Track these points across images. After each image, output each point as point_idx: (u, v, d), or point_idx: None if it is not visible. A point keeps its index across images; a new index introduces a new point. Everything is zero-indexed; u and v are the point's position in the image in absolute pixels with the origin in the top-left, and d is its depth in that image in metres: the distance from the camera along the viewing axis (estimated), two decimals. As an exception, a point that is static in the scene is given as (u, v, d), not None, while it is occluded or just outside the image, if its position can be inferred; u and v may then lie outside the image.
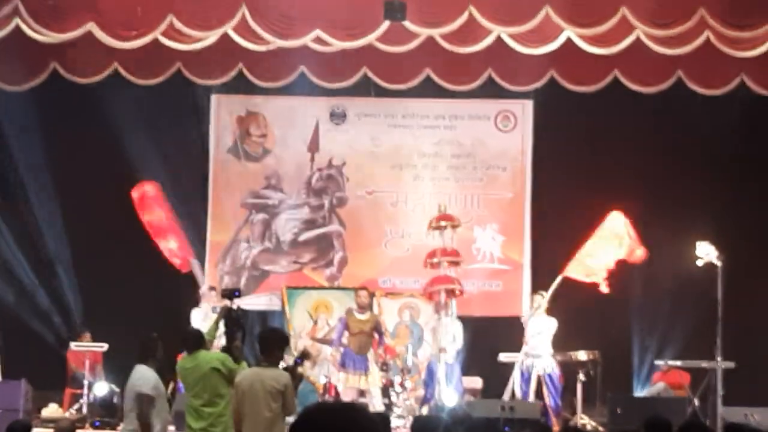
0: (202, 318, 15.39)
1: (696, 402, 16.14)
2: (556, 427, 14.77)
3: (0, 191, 18.03)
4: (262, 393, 9.82)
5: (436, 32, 15.97)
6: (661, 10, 15.64)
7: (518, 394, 15.63)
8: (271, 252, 18.77)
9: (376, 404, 14.96)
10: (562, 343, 15.68)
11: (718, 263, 15.17)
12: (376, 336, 15.46)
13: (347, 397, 15.12)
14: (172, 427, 12.76)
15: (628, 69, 17.15)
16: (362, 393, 15.26)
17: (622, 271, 17.69)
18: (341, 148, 18.99)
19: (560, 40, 15.97)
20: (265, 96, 18.77)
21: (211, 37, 16.07)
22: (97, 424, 15.53)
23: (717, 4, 15.54)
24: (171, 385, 13.63)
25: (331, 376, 15.55)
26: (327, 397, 15.43)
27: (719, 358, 15.18)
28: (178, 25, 15.77)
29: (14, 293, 17.71)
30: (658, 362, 17.23)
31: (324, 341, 17.17)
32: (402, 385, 15.49)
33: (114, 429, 15.00)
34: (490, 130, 18.94)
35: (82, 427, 15.04)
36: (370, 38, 16.02)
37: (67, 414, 16.24)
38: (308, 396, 16.29)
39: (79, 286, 17.94)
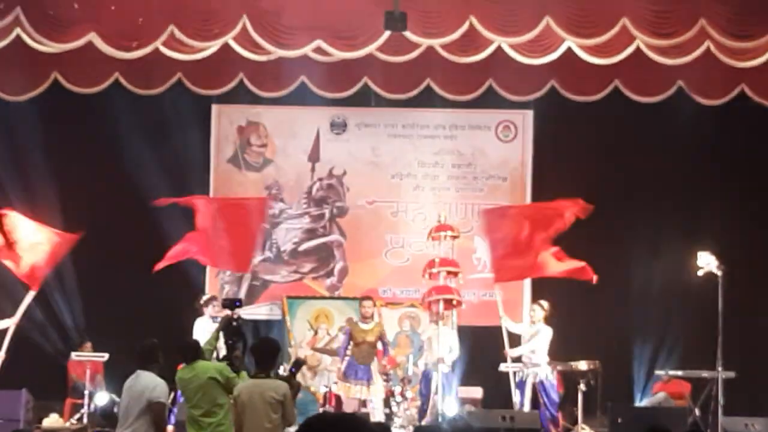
0: (203, 328, 15.36)
1: (697, 412, 16.12)
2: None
3: (1, 200, 18.02)
4: (261, 404, 9.86)
5: (436, 42, 15.98)
6: (662, 20, 15.64)
7: (517, 403, 15.63)
8: (272, 262, 18.78)
9: (377, 414, 14.95)
10: (562, 352, 15.66)
11: (719, 273, 15.16)
12: (381, 346, 15.43)
13: (349, 407, 15.11)
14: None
15: (629, 79, 17.16)
16: (364, 403, 15.25)
17: (621, 280, 17.74)
18: (342, 157, 19.00)
19: (561, 50, 15.98)
20: (265, 106, 18.78)
21: (211, 47, 16.08)
22: (98, 433, 15.55)
23: (717, 15, 15.55)
24: (171, 395, 13.61)
25: (331, 386, 15.53)
26: (327, 407, 15.42)
27: (720, 368, 15.16)
28: (179, 35, 15.78)
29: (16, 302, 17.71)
30: (659, 372, 17.22)
31: (324, 351, 17.16)
32: (402, 395, 15.48)
33: (114, 439, 14.98)
34: (491, 140, 18.95)
35: (83, 437, 15.07)
36: (371, 48, 16.02)
37: (67, 424, 16.23)
38: (308, 406, 16.30)
39: (80, 295, 17.92)
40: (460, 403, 15.79)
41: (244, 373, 10.62)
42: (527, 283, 18.43)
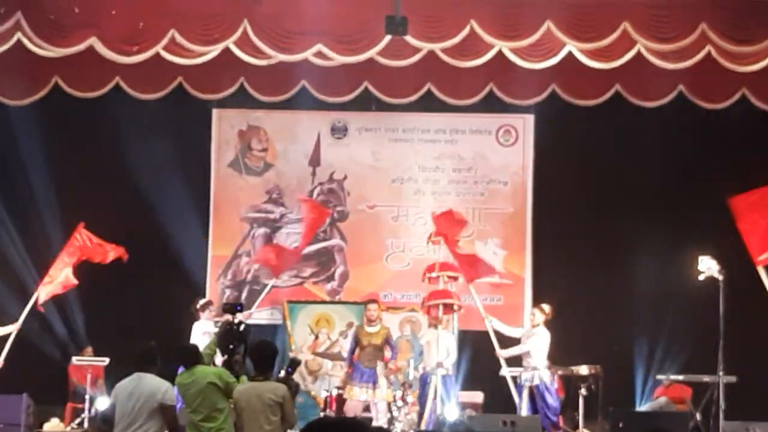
0: (202, 332, 15.37)
1: (698, 416, 16.09)
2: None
3: (2, 205, 18.03)
4: (260, 407, 9.90)
5: (437, 47, 15.98)
6: (663, 25, 15.65)
7: (518, 408, 15.63)
8: (273, 266, 18.75)
9: (380, 418, 14.95)
10: (563, 357, 15.66)
11: (720, 277, 15.15)
12: (389, 350, 15.41)
13: (351, 410, 15.11)
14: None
15: (630, 83, 17.16)
16: (367, 407, 15.24)
17: (623, 284, 17.73)
18: (342, 162, 19.00)
19: (561, 54, 15.98)
20: (266, 110, 18.78)
21: (212, 52, 16.09)
22: (98, 438, 15.54)
23: (718, 19, 15.55)
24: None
25: (332, 391, 15.51)
26: (328, 411, 15.40)
27: (721, 373, 15.14)
28: (180, 39, 15.79)
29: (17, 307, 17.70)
30: (660, 376, 17.18)
31: (325, 355, 17.17)
32: (403, 399, 15.47)
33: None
34: (491, 144, 18.95)
35: (84, 442, 15.07)
36: (372, 52, 16.03)
37: (68, 429, 16.24)
38: (309, 410, 16.29)
39: (81, 300, 17.91)
40: (461, 407, 15.77)
41: (244, 378, 10.61)
42: (528, 288, 18.43)
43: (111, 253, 16.34)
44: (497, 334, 15.84)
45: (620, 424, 15.00)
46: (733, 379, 15.45)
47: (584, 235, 17.92)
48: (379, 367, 15.26)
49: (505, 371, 15.82)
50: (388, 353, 15.40)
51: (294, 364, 10.99)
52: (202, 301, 16.07)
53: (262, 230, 18.81)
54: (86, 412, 16.27)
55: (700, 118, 17.39)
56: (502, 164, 18.92)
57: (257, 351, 10.44)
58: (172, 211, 17.89)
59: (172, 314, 16.18)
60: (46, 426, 16.02)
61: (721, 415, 14.99)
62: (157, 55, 15.99)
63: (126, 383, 10.18)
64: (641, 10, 15.63)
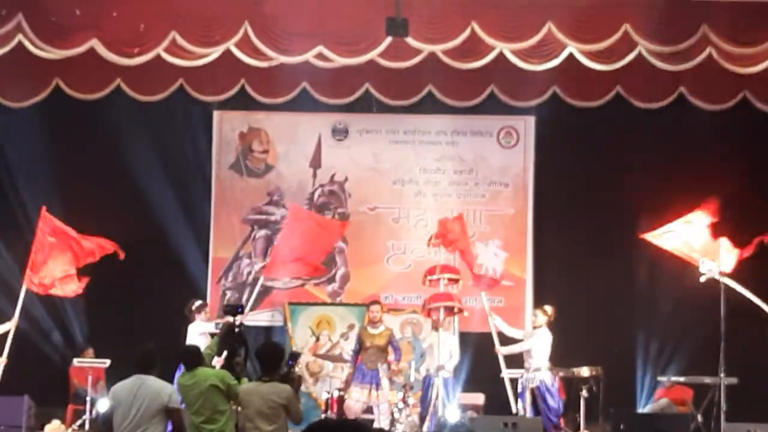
0: (198, 334, 15.36)
1: (699, 418, 16.11)
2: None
3: (3, 207, 18.03)
4: (264, 408, 9.94)
5: (438, 48, 15.97)
6: (664, 26, 15.63)
7: (517, 410, 15.62)
8: (274, 267, 18.74)
9: (382, 420, 14.95)
10: (564, 359, 15.65)
11: (721, 279, 15.15)
12: (392, 352, 15.40)
13: (352, 412, 15.11)
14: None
15: (631, 85, 17.17)
16: (368, 408, 15.23)
17: (624, 286, 17.73)
18: (343, 163, 19.00)
19: (563, 55, 15.98)
20: (267, 112, 18.79)
21: (213, 54, 16.09)
22: (99, 440, 15.53)
23: (719, 21, 15.54)
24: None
25: (333, 392, 15.51)
26: (329, 413, 15.40)
27: (722, 374, 15.15)
28: (181, 41, 15.79)
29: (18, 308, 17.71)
30: (661, 378, 17.20)
31: (326, 357, 17.17)
32: (404, 401, 15.46)
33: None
34: (492, 146, 18.94)
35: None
36: (372, 54, 16.02)
37: (69, 430, 16.24)
38: (310, 412, 16.28)
39: (83, 301, 17.91)
40: (462, 409, 15.76)
41: (245, 380, 10.63)
42: (529, 289, 18.43)
43: (88, 244, 16.20)
44: (499, 335, 15.83)
45: (621, 426, 15.02)
46: (734, 380, 15.46)
47: (585, 237, 17.92)
48: (383, 368, 15.24)
49: (505, 373, 15.81)
50: (391, 355, 15.40)
51: (294, 357, 11.01)
52: (197, 303, 16.04)
53: (263, 232, 18.81)
54: (87, 413, 16.26)
55: (701, 119, 17.38)
56: (503, 166, 18.92)
57: (264, 352, 10.44)
58: (173, 213, 17.89)
59: (173, 316, 16.16)
60: (47, 428, 16.01)
61: (723, 417, 15.00)
62: (158, 56, 15.99)
63: (126, 386, 10.08)
64: (642, 12, 15.61)
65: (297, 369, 10.95)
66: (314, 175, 18.99)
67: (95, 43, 15.71)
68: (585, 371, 15.69)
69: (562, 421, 15.43)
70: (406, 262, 18.72)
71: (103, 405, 16.05)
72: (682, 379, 16.88)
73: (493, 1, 15.88)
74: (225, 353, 11.74)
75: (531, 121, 18.75)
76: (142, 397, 9.95)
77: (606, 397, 15.80)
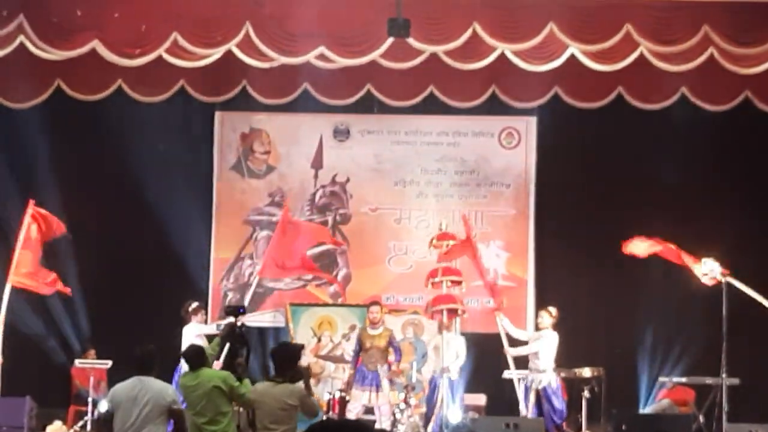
0: (194, 335, 15.34)
1: (701, 419, 16.12)
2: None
3: (5, 208, 18.03)
4: (276, 409, 10.01)
5: (439, 49, 15.97)
6: (665, 27, 15.63)
7: (523, 410, 15.62)
8: (275, 269, 18.74)
9: (384, 421, 14.94)
10: (566, 360, 15.65)
11: (723, 279, 15.14)
12: (393, 353, 15.39)
13: (353, 413, 15.11)
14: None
15: (632, 85, 17.16)
16: (369, 409, 15.23)
17: (626, 287, 17.72)
18: (345, 164, 18.99)
19: (564, 56, 15.97)
20: (268, 113, 18.78)
21: (214, 54, 16.08)
22: (101, 441, 15.52)
23: (721, 21, 15.54)
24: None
25: (335, 393, 15.51)
26: (331, 413, 15.40)
27: (724, 375, 15.14)
28: (182, 42, 15.79)
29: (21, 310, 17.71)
30: (663, 379, 17.20)
31: (328, 358, 17.17)
32: (406, 402, 15.46)
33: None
34: (494, 146, 18.94)
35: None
36: (374, 55, 16.02)
37: (71, 431, 16.23)
38: (312, 413, 16.25)
39: (84, 302, 17.92)
40: (465, 410, 15.76)
41: (247, 381, 10.61)
42: (531, 290, 18.43)
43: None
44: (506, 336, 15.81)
45: (623, 427, 15.00)
46: (736, 381, 15.46)
47: (587, 237, 17.91)
48: (383, 369, 15.24)
49: (513, 373, 15.80)
50: (392, 356, 15.40)
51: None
52: (193, 305, 16.01)
53: (264, 233, 18.79)
54: (89, 414, 16.27)
55: (703, 120, 17.37)
56: (505, 167, 18.91)
57: (279, 353, 10.49)
58: (174, 214, 17.89)
59: (174, 317, 16.16)
60: (49, 429, 15.99)
61: (724, 418, 14.99)
62: (160, 57, 15.99)
63: (127, 387, 10.09)
64: (644, 12, 15.61)
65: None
66: (316, 176, 18.99)
67: (96, 44, 15.71)
68: (587, 372, 15.69)
69: (563, 422, 15.42)
70: (408, 263, 18.72)
71: (104, 406, 16.06)
72: (683, 379, 16.89)
73: (495, 2, 15.88)
74: (225, 354, 11.70)
75: (532, 121, 18.75)
76: (143, 399, 9.94)
77: (608, 398, 15.80)
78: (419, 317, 17.68)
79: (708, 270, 15.27)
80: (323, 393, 16.46)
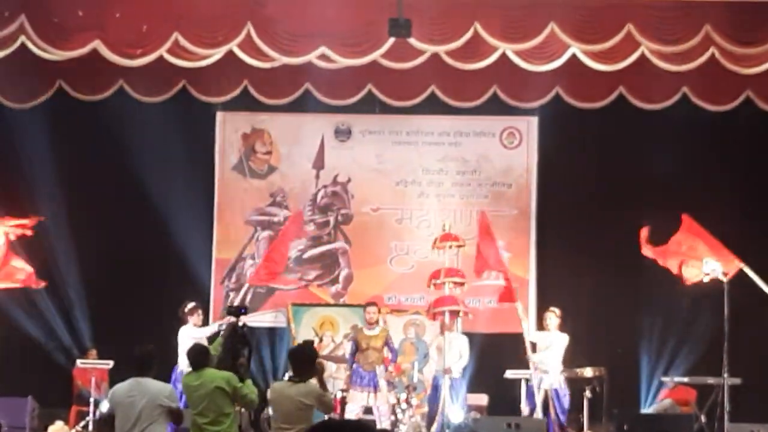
0: (190, 336, 15.32)
1: (703, 418, 16.11)
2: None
3: (8, 209, 18.03)
4: (292, 409, 10.15)
5: (441, 49, 15.97)
6: (667, 27, 15.63)
7: (525, 410, 15.61)
8: (277, 269, 18.73)
9: (383, 421, 14.93)
10: (568, 359, 15.65)
11: (724, 279, 15.15)
12: (389, 353, 15.39)
13: (352, 413, 15.11)
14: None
15: (634, 85, 17.16)
16: (368, 410, 15.22)
17: (627, 287, 17.72)
18: (346, 164, 19.00)
19: (565, 56, 15.97)
20: (270, 113, 18.78)
21: (216, 55, 16.09)
22: (103, 441, 15.53)
23: (722, 21, 15.54)
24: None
25: (336, 393, 15.51)
26: (332, 414, 15.38)
27: (726, 375, 15.15)
28: (184, 42, 15.79)
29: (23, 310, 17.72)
30: (665, 379, 17.20)
31: (329, 358, 17.15)
32: (408, 402, 15.46)
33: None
34: (495, 146, 18.94)
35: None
36: (375, 55, 16.02)
37: (73, 431, 16.24)
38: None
39: (86, 303, 17.94)
40: (467, 410, 15.75)
41: (249, 381, 10.61)
42: (532, 290, 18.42)
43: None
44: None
45: (625, 426, 15.02)
46: (737, 381, 15.47)
47: (588, 237, 17.91)
48: (380, 369, 15.23)
49: (515, 374, 15.81)
50: (388, 356, 15.39)
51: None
52: (189, 305, 15.99)
53: (266, 233, 18.80)
54: (91, 415, 16.27)
55: (704, 120, 17.37)
56: (507, 166, 18.92)
57: (296, 354, 10.71)
58: (176, 214, 17.89)
59: (175, 317, 16.17)
60: (51, 429, 16.01)
61: (726, 417, 15.00)
62: (161, 58, 15.99)
63: (125, 388, 10.13)
64: (645, 12, 15.61)
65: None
66: (317, 176, 18.99)
67: (98, 45, 15.71)
68: (588, 372, 15.69)
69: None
70: (409, 263, 18.71)
71: (105, 407, 16.08)
72: (685, 379, 16.89)
73: (496, 2, 15.88)
74: (225, 352, 11.69)
75: (534, 121, 18.75)
76: (141, 400, 9.98)
77: (609, 398, 15.80)
78: (421, 317, 17.68)
79: (710, 269, 15.27)
80: (324, 393, 16.44)
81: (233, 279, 18.73)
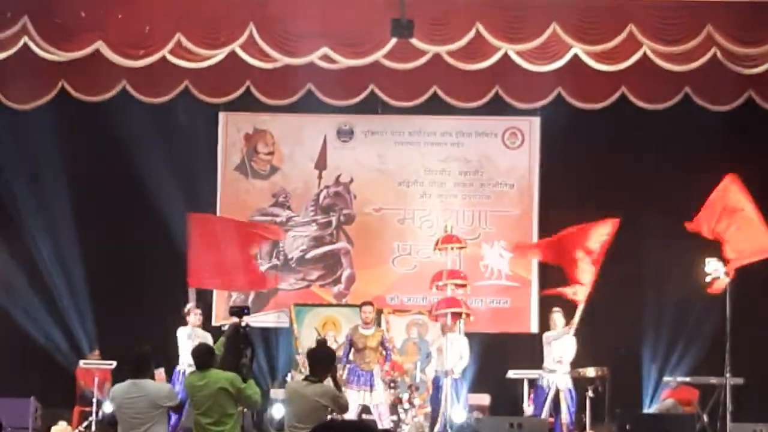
0: (187, 336, 15.33)
1: (705, 418, 16.11)
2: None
3: (11, 210, 18.06)
4: (306, 409, 10.22)
5: (443, 49, 15.98)
6: (668, 27, 15.64)
7: (528, 410, 15.62)
8: (279, 269, 18.75)
9: (384, 421, 14.94)
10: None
11: (727, 279, 15.14)
12: (384, 352, 15.40)
13: (351, 413, 15.11)
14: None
15: (635, 86, 17.16)
16: (366, 409, 15.22)
17: (629, 287, 17.72)
18: (348, 165, 19.01)
19: (567, 56, 15.99)
20: (272, 113, 18.79)
21: (218, 55, 16.11)
22: (106, 441, 15.55)
23: (724, 21, 15.55)
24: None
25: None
26: (334, 414, 15.38)
27: (728, 374, 15.15)
28: (186, 43, 15.81)
29: (25, 311, 17.74)
30: (667, 378, 17.20)
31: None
32: (410, 402, 15.46)
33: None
34: (498, 147, 18.95)
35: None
36: (377, 56, 16.04)
37: (76, 432, 16.28)
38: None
39: (89, 303, 17.94)
40: (469, 410, 15.76)
41: (251, 382, 10.61)
42: (534, 290, 18.42)
43: None
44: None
45: (627, 426, 15.00)
46: (740, 380, 15.46)
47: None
48: (376, 369, 15.22)
49: (519, 374, 15.82)
50: (383, 352, 15.37)
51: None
52: (187, 306, 15.98)
53: (267, 233, 18.79)
54: (94, 415, 16.28)
55: (707, 120, 17.37)
56: (509, 167, 18.93)
57: (315, 354, 10.77)
58: (178, 215, 17.88)
59: (178, 318, 16.18)
60: (54, 429, 16.04)
61: (728, 417, 15.00)
62: (164, 58, 16.01)
63: (123, 390, 10.22)
64: (647, 13, 15.62)
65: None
66: (319, 177, 19.00)
67: (100, 45, 15.74)
68: (591, 371, 15.71)
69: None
70: (412, 263, 18.72)
71: (109, 406, 16.09)
72: (687, 379, 16.89)
73: (498, 2, 15.89)
74: (227, 352, 11.71)
75: (536, 122, 18.77)
76: (139, 401, 10.05)
77: (612, 398, 15.82)
78: (423, 317, 17.69)
79: (712, 269, 15.27)
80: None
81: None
